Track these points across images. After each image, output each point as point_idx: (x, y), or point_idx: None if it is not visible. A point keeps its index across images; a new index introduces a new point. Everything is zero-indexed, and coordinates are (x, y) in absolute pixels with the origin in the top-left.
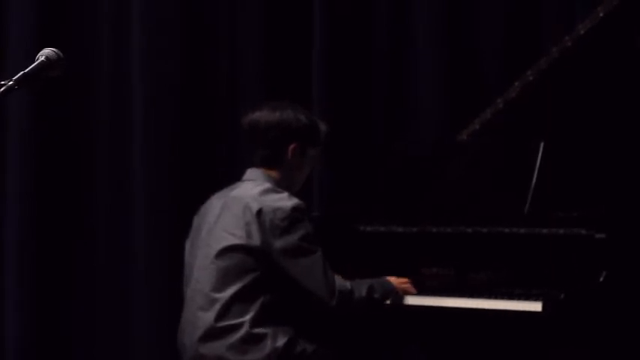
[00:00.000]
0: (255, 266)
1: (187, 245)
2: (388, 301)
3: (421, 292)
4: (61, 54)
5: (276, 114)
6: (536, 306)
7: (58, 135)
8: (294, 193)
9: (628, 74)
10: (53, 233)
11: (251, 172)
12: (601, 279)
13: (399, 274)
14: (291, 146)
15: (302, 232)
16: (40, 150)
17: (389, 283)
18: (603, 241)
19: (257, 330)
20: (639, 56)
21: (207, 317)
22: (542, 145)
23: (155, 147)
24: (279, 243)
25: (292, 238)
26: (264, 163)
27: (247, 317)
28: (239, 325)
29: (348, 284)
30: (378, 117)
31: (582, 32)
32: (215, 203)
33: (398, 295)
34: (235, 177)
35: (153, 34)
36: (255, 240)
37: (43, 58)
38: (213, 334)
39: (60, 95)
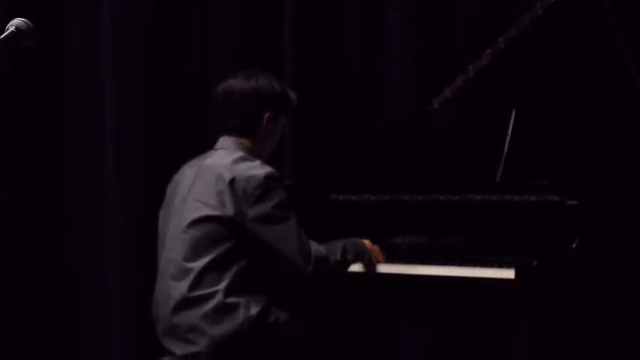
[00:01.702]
0: (229, 235)
1: (161, 215)
2: (362, 264)
3: (394, 260)
4: (30, 24)
5: (250, 82)
6: (509, 273)
7: (30, 114)
8: (264, 161)
9: (598, 41)
10: (25, 204)
11: (223, 141)
12: (573, 245)
13: (371, 243)
14: (266, 115)
15: (276, 200)
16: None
17: (362, 243)
18: (575, 207)
19: (230, 299)
20: (609, 23)
21: (181, 287)
22: (513, 112)
23: (126, 120)
24: (253, 211)
25: (266, 206)
26: (238, 132)
27: (220, 287)
28: (212, 295)
29: (323, 249)
30: (350, 86)
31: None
32: (188, 172)
33: (370, 257)
34: (207, 148)
35: (124, 9)
36: (229, 209)
37: (12, 29)
38: (186, 303)
39: (29, 73)
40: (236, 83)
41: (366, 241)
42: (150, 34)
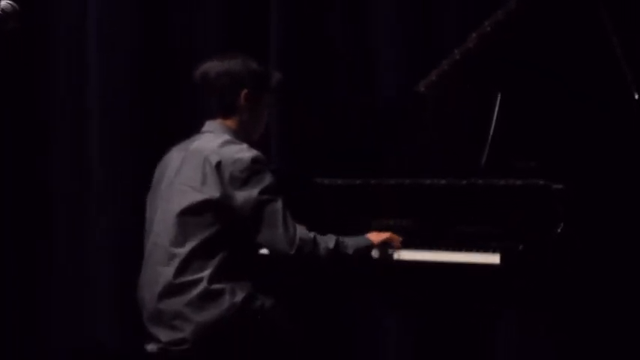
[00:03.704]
0: (214, 220)
1: (148, 200)
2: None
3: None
4: (16, 6)
5: (225, 63)
6: (494, 258)
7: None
8: (253, 144)
9: (584, 24)
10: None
11: (209, 124)
12: (559, 230)
13: (357, 227)
14: (243, 92)
15: (262, 183)
16: None
17: (365, 238)
18: (561, 191)
19: (215, 286)
20: (595, 7)
21: (167, 273)
22: (499, 96)
23: (113, 105)
24: (239, 194)
25: (252, 189)
26: (220, 113)
27: (206, 273)
28: (197, 281)
29: (311, 234)
30: (338, 69)
31: None
32: (175, 156)
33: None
34: (196, 131)
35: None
36: (215, 192)
37: None
38: (171, 290)
39: (16, 46)
40: (211, 65)
41: (374, 234)
42: (137, 21)
